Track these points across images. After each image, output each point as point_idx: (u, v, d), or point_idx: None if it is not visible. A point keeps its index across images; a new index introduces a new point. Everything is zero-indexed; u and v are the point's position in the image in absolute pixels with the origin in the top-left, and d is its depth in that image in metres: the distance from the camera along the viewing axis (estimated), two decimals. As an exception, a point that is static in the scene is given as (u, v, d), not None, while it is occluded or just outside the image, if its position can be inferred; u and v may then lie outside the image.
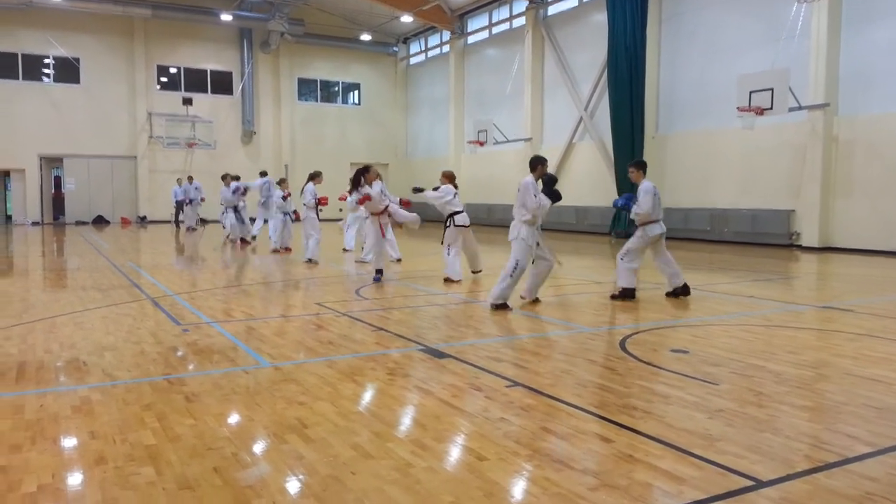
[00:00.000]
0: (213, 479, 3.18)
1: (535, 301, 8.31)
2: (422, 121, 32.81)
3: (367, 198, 10.05)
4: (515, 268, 7.79)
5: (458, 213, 10.40)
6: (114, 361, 5.41)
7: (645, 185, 8.43)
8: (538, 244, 8.07)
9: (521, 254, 7.85)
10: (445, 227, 10.42)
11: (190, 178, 23.82)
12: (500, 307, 7.81)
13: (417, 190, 10.70)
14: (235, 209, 17.48)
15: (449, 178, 10.65)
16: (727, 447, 3.55)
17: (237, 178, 18.36)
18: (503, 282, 7.82)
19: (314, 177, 13.39)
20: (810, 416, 4.16)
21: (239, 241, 17.34)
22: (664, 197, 9.63)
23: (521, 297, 8.29)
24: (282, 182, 15.38)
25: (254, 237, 18.05)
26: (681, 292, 8.61)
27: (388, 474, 3.24)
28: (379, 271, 10.29)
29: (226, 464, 3.36)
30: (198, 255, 15.34)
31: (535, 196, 7.82)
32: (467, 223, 10.51)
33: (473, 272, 10.84)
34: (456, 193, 10.45)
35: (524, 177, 7.91)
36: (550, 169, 8.90)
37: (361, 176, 10.19)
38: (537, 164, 8.06)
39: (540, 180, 7.97)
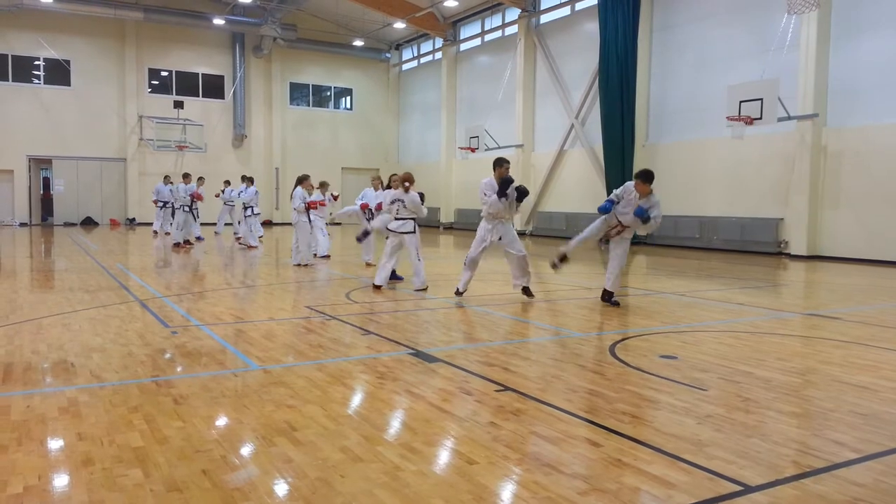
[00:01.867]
0: (202, 482, 3.16)
1: (526, 291, 8.86)
2: (413, 126, 32.86)
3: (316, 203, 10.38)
4: (467, 259, 8.98)
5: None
6: (101, 363, 5.37)
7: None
8: (500, 238, 8.72)
9: (473, 246, 8.90)
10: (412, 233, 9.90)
11: (200, 179, 21.00)
12: (457, 293, 8.99)
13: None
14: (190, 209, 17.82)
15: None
16: (716, 452, 3.57)
17: (228, 184, 18.43)
18: (464, 272, 9.03)
19: (302, 180, 13.21)
20: (798, 422, 4.18)
21: (183, 243, 17.69)
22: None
23: (515, 288, 8.96)
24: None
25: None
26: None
27: (378, 478, 3.23)
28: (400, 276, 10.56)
29: (214, 466, 3.34)
30: (186, 258, 15.26)
31: (486, 195, 8.58)
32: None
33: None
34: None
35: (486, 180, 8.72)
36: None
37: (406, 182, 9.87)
38: (496, 165, 8.68)
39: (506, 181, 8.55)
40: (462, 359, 5.62)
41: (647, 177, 8.31)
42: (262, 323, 7.29)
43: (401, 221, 9.75)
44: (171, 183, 20.73)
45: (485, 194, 8.62)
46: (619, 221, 8.58)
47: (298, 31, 29.97)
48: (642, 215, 8.26)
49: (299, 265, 12.86)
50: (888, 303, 9.46)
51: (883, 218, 14.64)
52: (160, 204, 21.42)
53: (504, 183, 8.53)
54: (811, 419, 4.29)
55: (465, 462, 3.44)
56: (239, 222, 19.02)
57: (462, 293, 9.00)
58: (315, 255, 14.10)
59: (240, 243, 18.00)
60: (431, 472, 3.34)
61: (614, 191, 8.80)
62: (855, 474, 3.32)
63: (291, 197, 13.07)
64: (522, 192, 8.64)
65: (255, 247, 17.11)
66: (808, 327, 7.52)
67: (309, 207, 12.98)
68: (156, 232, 22.21)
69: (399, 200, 9.71)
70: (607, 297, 8.65)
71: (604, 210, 8.67)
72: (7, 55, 26.81)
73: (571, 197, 22.72)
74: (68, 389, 4.64)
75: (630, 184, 8.55)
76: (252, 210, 17.47)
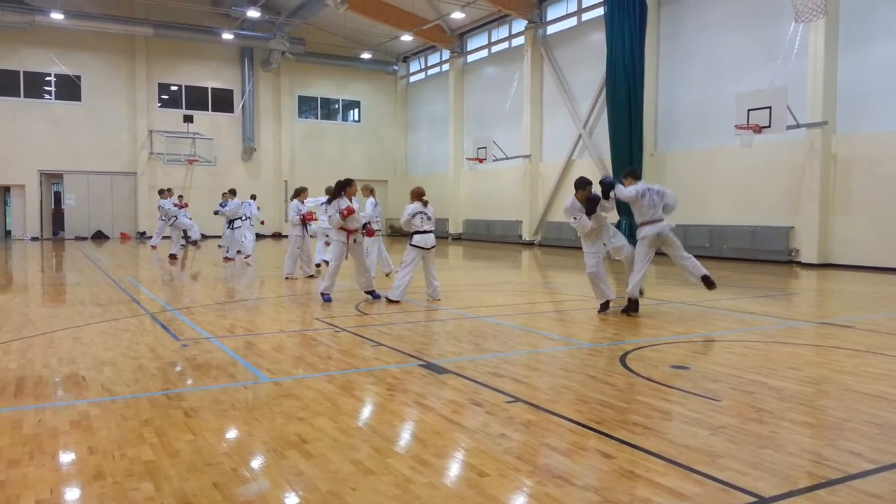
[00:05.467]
0: (213, 495, 3.16)
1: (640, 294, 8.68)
2: (421, 138, 32.97)
3: (352, 210, 9.50)
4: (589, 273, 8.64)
5: (419, 232, 9.68)
6: (112, 376, 5.39)
7: (637, 185, 8.67)
8: (605, 244, 8.67)
9: (588, 262, 8.65)
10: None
11: (233, 192, 18.85)
12: (602, 307, 8.65)
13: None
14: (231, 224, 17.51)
15: (416, 195, 9.87)
16: (729, 463, 3.54)
17: (233, 193, 18.24)
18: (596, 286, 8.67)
19: (299, 193, 13.35)
20: (812, 433, 4.14)
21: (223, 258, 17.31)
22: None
23: (639, 295, 8.69)
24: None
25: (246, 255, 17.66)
26: (707, 283, 8.61)
27: (388, 490, 3.22)
28: (326, 294, 9.82)
29: (225, 479, 3.34)
30: (197, 270, 15.33)
31: (576, 219, 8.42)
32: (429, 245, 9.69)
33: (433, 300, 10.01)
34: (419, 213, 9.66)
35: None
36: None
37: (343, 189, 9.65)
38: (577, 187, 8.60)
39: (586, 200, 8.48)
40: (472, 370, 5.61)
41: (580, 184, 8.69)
42: (272, 335, 7.30)
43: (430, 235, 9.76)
44: (172, 196, 20.37)
45: (574, 218, 8.47)
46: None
47: (307, 44, 30.19)
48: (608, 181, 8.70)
49: (287, 278, 12.82)
50: (901, 311, 9.37)
51: (895, 225, 14.54)
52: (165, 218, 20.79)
53: (592, 202, 8.46)
54: (825, 429, 4.25)
55: (476, 474, 3.42)
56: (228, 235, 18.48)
57: (606, 307, 8.70)
58: (318, 265, 14.00)
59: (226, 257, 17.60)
60: (442, 485, 3.32)
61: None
62: (871, 485, 3.28)
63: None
64: (607, 186, 8.58)
65: (233, 259, 16.94)
66: (821, 336, 7.46)
67: (305, 220, 13.03)
68: (154, 246, 22.10)
69: (422, 213, 9.67)
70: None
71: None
72: (19, 71, 27.13)
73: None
74: (79, 403, 4.66)
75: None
76: (242, 221, 17.22)
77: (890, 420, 4.31)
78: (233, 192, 17.85)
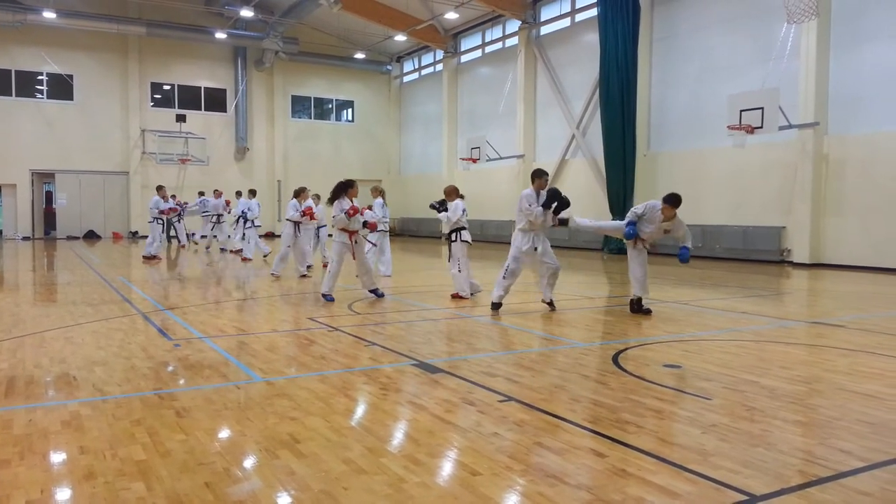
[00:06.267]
0: (205, 495, 3.15)
1: (550, 304, 8.88)
2: (415, 138, 32.96)
3: (356, 210, 9.59)
4: (506, 270, 8.73)
5: (464, 228, 10.14)
6: (104, 376, 5.36)
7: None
8: (536, 249, 8.70)
9: (512, 258, 8.74)
10: (451, 241, 10.11)
11: (253, 192, 19.02)
12: (494, 307, 8.78)
13: (436, 207, 10.32)
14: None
15: (455, 192, 10.27)
16: (721, 462, 3.55)
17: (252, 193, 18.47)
18: (497, 284, 8.84)
19: (298, 193, 13.46)
20: (804, 431, 4.16)
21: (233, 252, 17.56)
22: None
23: (542, 301, 8.95)
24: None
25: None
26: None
27: (381, 489, 3.21)
28: (327, 295, 9.74)
29: (217, 479, 3.33)
30: (189, 270, 15.27)
31: (530, 206, 8.53)
32: (471, 240, 10.24)
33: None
34: (464, 209, 10.15)
35: (514, 194, 8.32)
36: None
37: (345, 190, 9.65)
38: (534, 176, 8.79)
39: (542, 192, 8.63)
40: (465, 369, 5.61)
41: (675, 201, 8.37)
42: (264, 335, 7.28)
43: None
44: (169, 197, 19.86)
45: (529, 205, 8.54)
46: (640, 237, 8.63)
47: (300, 44, 30.14)
48: (686, 258, 8.42)
49: (273, 274, 13.00)
50: (893, 311, 9.43)
51: (886, 225, 14.62)
52: (163, 220, 19.81)
53: (552, 195, 8.56)
54: (817, 428, 4.26)
55: (469, 473, 3.42)
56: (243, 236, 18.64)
57: (499, 307, 8.82)
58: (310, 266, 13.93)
59: (241, 256, 17.97)
60: (435, 484, 3.32)
61: (633, 210, 8.71)
62: (861, 483, 3.30)
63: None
64: (554, 196, 8.57)
65: (251, 259, 17.16)
66: (813, 336, 7.49)
67: (303, 214, 13.12)
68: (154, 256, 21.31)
69: (465, 209, 10.21)
70: (637, 306, 8.65)
71: (630, 235, 8.58)
72: (10, 70, 26.99)
73: (573, 206, 22.25)
74: (71, 403, 4.63)
75: (655, 203, 8.54)
76: (253, 223, 17.53)
77: (881, 419, 4.33)
78: (252, 193, 18.26)
